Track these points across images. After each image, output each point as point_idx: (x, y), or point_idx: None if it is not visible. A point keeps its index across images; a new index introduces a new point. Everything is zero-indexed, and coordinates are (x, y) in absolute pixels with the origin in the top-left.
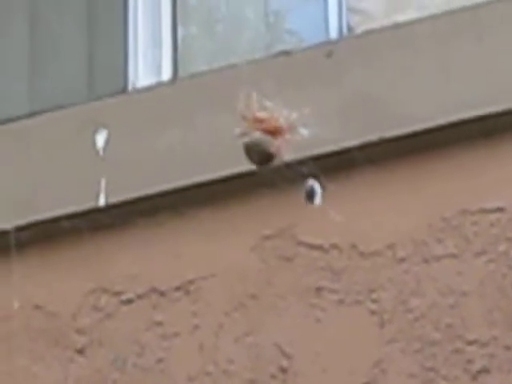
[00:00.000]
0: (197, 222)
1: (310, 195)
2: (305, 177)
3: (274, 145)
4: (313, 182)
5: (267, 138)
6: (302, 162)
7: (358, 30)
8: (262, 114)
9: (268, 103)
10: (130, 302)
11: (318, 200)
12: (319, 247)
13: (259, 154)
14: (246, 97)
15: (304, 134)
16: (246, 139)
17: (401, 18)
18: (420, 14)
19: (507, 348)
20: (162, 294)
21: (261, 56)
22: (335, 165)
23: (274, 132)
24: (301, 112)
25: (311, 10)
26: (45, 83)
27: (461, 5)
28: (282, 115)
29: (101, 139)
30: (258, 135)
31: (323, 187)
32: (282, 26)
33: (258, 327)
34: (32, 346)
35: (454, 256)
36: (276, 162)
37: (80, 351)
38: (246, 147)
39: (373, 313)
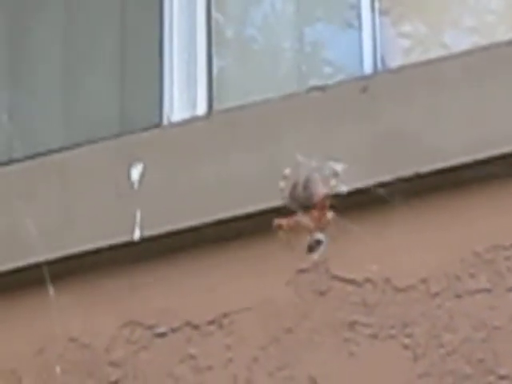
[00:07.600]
0: (231, 255)
1: (312, 247)
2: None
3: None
4: (317, 236)
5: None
6: (336, 196)
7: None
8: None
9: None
10: (163, 335)
11: (318, 253)
12: (353, 281)
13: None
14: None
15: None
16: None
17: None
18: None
19: None
20: (196, 327)
21: (296, 90)
22: (369, 200)
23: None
24: (334, 146)
25: (347, 42)
26: (80, 116)
27: (496, 40)
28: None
29: (136, 172)
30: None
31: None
32: (318, 57)
33: (293, 361)
34: (66, 378)
35: (486, 291)
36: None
37: None
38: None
39: (406, 347)
